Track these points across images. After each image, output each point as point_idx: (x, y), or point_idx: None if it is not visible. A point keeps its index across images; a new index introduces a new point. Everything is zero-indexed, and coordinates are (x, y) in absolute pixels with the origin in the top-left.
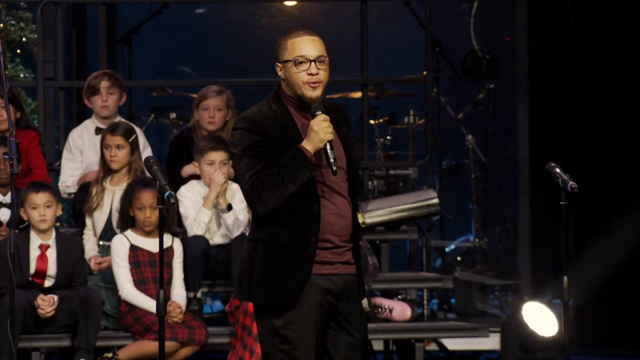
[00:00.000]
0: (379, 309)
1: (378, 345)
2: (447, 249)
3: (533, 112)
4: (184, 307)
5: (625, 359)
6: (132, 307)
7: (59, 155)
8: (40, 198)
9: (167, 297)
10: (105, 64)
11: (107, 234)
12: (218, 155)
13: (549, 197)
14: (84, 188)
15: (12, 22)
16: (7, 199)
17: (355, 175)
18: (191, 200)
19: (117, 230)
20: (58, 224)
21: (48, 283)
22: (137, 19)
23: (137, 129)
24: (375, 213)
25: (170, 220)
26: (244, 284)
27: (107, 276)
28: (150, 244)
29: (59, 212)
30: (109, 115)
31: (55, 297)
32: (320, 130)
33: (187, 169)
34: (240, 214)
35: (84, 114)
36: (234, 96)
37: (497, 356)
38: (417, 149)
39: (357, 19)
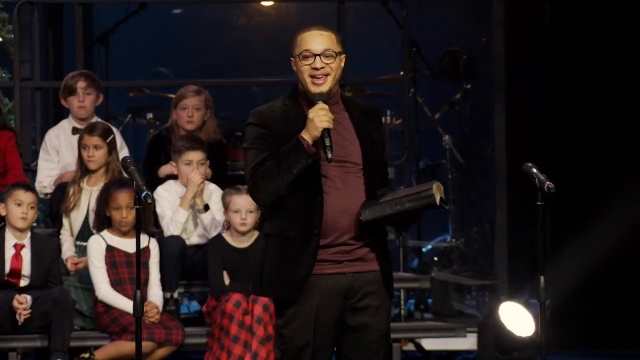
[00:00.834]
0: None
1: None
2: (424, 249)
3: (510, 112)
4: (160, 308)
5: (601, 359)
6: (108, 308)
7: (35, 155)
8: (26, 197)
9: (144, 298)
10: (82, 64)
11: (84, 234)
12: (196, 155)
13: (526, 197)
14: (61, 188)
15: None
16: None
17: (373, 173)
18: (168, 200)
19: (94, 231)
20: (35, 225)
21: (23, 283)
22: (114, 19)
23: (114, 129)
24: (372, 208)
25: (146, 220)
26: (257, 279)
27: (84, 277)
28: (127, 245)
29: (36, 217)
30: (86, 115)
31: (29, 297)
32: (315, 118)
33: (165, 169)
34: (217, 214)
35: (61, 114)
36: (211, 96)
37: (474, 356)
38: (394, 149)
39: (335, 19)
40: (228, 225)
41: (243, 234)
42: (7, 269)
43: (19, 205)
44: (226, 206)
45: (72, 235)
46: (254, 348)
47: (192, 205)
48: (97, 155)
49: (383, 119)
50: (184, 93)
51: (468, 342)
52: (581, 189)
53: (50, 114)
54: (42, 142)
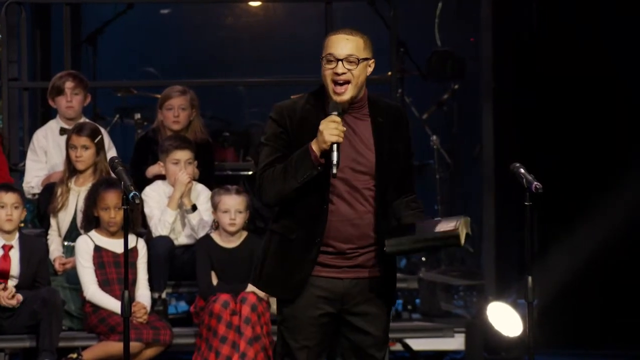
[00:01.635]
0: None
1: None
2: None
3: (498, 113)
4: (148, 308)
5: (589, 359)
6: (96, 308)
7: (23, 155)
8: (8, 197)
9: (131, 298)
10: (69, 65)
11: (72, 234)
12: (183, 154)
13: (513, 198)
14: (49, 188)
15: None
16: None
17: (387, 183)
18: (156, 200)
19: (82, 231)
20: (23, 225)
21: (12, 283)
22: (102, 19)
23: (102, 130)
24: (397, 241)
25: (134, 220)
26: (256, 271)
27: (72, 277)
28: (115, 245)
29: (23, 216)
30: (74, 116)
31: (13, 288)
32: (325, 131)
33: (152, 169)
34: (205, 214)
35: (49, 114)
36: (198, 96)
37: (461, 356)
38: None
39: (322, 19)
40: (216, 225)
41: (232, 234)
42: None
43: (3, 207)
44: (215, 206)
45: (60, 235)
46: (242, 348)
47: (180, 205)
48: (85, 156)
49: None
50: (169, 93)
51: (456, 342)
52: (569, 189)
53: (38, 115)
54: (30, 143)
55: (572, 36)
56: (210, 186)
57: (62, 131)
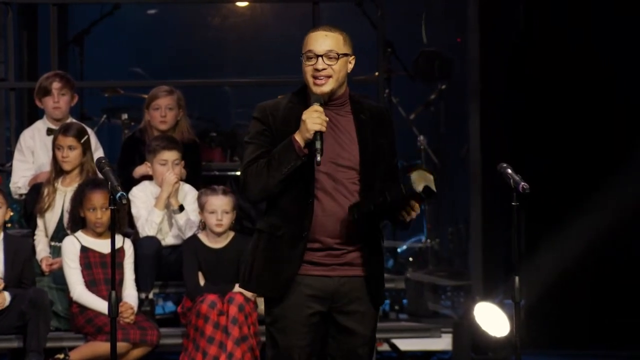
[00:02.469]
0: None
1: None
2: (399, 250)
3: (485, 113)
4: (135, 308)
5: (575, 359)
6: (83, 308)
7: (10, 156)
8: None
9: (118, 298)
10: (56, 65)
11: (59, 235)
12: (171, 155)
13: (500, 198)
14: (36, 189)
15: None
16: None
17: (372, 178)
18: (143, 200)
19: (68, 232)
20: (10, 225)
21: None
22: (89, 19)
23: (89, 130)
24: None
25: (120, 221)
26: (245, 272)
27: (59, 277)
28: (101, 245)
29: (9, 215)
30: (61, 116)
31: (7, 294)
32: (308, 120)
33: (139, 170)
34: (192, 214)
35: (36, 114)
36: (185, 96)
37: (449, 356)
38: None
39: (309, 19)
40: (203, 226)
41: (219, 234)
42: None
43: None
44: (202, 207)
45: (46, 236)
46: (229, 348)
47: (167, 205)
48: (71, 156)
49: None
50: (156, 93)
51: (443, 342)
52: (556, 190)
53: (25, 115)
54: (17, 143)
55: (560, 36)
56: (197, 186)
57: (49, 131)
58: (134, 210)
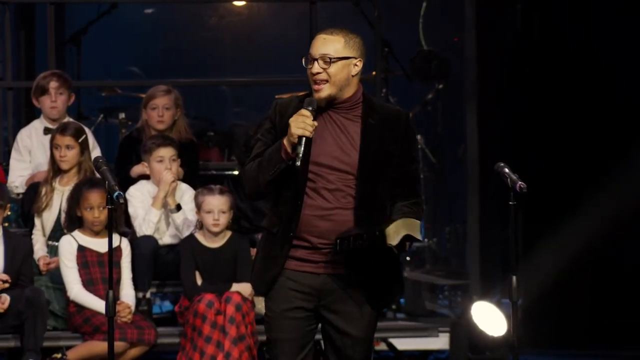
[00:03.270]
0: None
1: None
2: None
3: (482, 113)
4: (133, 307)
5: (573, 359)
6: (81, 308)
7: (7, 155)
8: None
9: (116, 298)
10: (54, 64)
11: (57, 234)
12: (167, 152)
13: (498, 197)
14: (33, 188)
15: None
16: None
17: (373, 183)
18: (140, 200)
19: (65, 231)
20: (7, 224)
21: None
22: (86, 19)
23: (87, 129)
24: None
25: (117, 220)
26: (252, 270)
27: (56, 277)
28: (98, 244)
29: (7, 213)
30: (58, 115)
31: (6, 296)
32: (292, 124)
33: (136, 169)
34: (189, 213)
35: (33, 114)
36: (183, 96)
37: (446, 356)
38: None
39: (306, 19)
40: (200, 225)
41: (216, 234)
42: None
43: None
44: (199, 206)
45: (44, 235)
46: (227, 348)
47: (164, 205)
48: (69, 155)
49: None
50: (153, 93)
51: (440, 341)
52: (553, 189)
53: (22, 114)
54: (14, 142)
55: (557, 36)
56: (194, 186)
57: (46, 131)
58: (131, 210)
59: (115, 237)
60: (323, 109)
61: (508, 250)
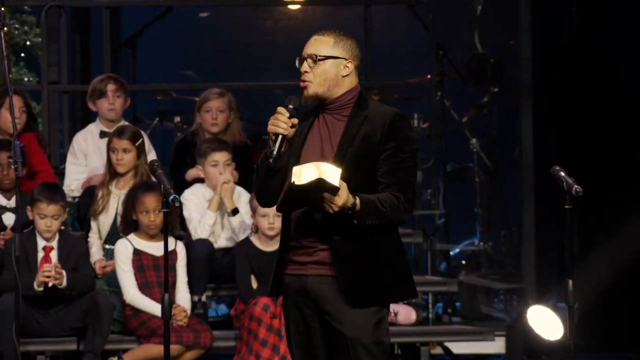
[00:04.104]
0: None
1: None
2: (452, 253)
3: (537, 116)
4: (188, 311)
5: None
6: (137, 311)
7: (63, 158)
8: (50, 210)
9: (172, 301)
10: (109, 68)
11: (113, 237)
12: (221, 156)
13: (553, 201)
14: (89, 191)
15: (17, 25)
16: (12, 203)
17: (349, 179)
18: (195, 203)
19: (121, 234)
20: (63, 228)
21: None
22: (141, 22)
23: (143, 133)
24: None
25: (172, 223)
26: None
27: (112, 280)
28: (154, 248)
29: (65, 218)
30: (115, 117)
31: (65, 274)
32: (269, 123)
33: (191, 173)
34: (245, 217)
35: (88, 117)
36: (237, 99)
37: None
38: (422, 152)
39: (361, 22)
40: (256, 229)
41: (271, 237)
42: (38, 271)
43: (42, 218)
44: (254, 210)
45: (100, 238)
46: (283, 351)
47: (221, 207)
48: (126, 159)
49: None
50: (207, 96)
51: (496, 345)
52: (609, 192)
53: (77, 118)
54: (70, 146)
55: (612, 38)
56: (249, 189)
57: (102, 134)
58: (185, 213)
59: (171, 241)
60: (318, 109)
61: (564, 253)
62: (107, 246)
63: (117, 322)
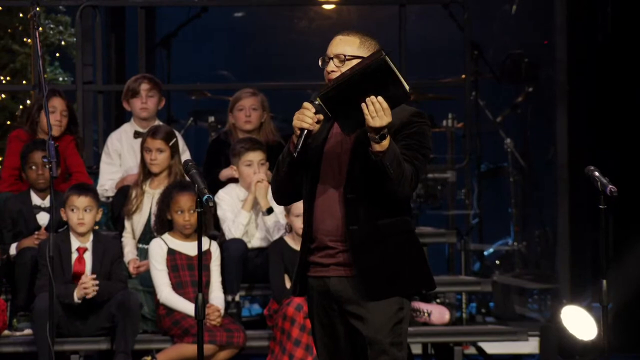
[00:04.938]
0: (418, 313)
1: (416, 349)
2: (486, 253)
3: (572, 116)
4: (222, 311)
5: None
6: (170, 311)
7: (97, 158)
8: (80, 201)
9: (205, 301)
10: (144, 68)
11: (146, 237)
12: (255, 156)
13: (588, 201)
14: (123, 191)
15: (51, 25)
16: (46, 202)
17: (363, 175)
18: (229, 203)
19: (155, 234)
20: (97, 228)
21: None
22: (176, 22)
23: (177, 133)
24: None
25: (206, 223)
26: None
27: (146, 279)
28: (188, 248)
29: (99, 217)
30: (147, 116)
31: (96, 284)
32: (294, 118)
33: (225, 173)
34: (280, 216)
35: (123, 117)
36: (270, 99)
37: None
38: (456, 152)
39: (396, 21)
40: (290, 228)
41: None
42: (71, 272)
43: (74, 210)
44: (288, 210)
45: (134, 238)
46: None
47: (255, 207)
48: (159, 159)
49: (444, 122)
50: (240, 95)
51: (530, 345)
52: None
53: (112, 118)
54: (104, 146)
55: None
56: None
57: (137, 134)
58: (219, 213)
59: (205, 241)
60: None
61: (598, 253)
62: (140, 246)
63: (151, 322)
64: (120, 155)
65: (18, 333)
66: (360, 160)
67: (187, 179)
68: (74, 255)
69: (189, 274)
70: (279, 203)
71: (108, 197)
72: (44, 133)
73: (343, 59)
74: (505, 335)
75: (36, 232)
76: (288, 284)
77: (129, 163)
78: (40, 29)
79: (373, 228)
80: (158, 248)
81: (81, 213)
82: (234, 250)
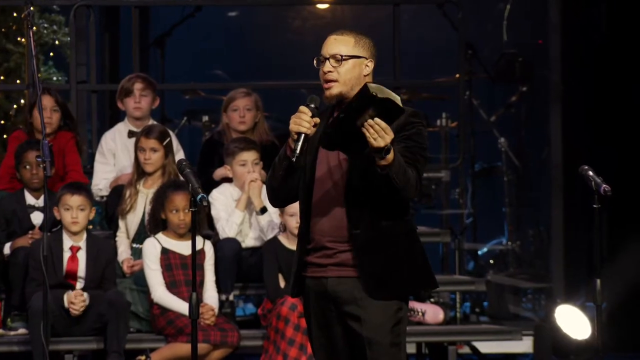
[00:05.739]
0: (412, 312)
1: (410, 349)
2: (480, 252)
3: (566, 115)
4: (216, 310)
5: None
6: (164, 310)
7: (91, 158)
8: (74, 200)
9: (199, 300)
10: (138, 67)
11: (140, 236)
12: (249, 155)
13: (582, 200)
14: (117, 191)
15: (45, 25)
16: (40, 202)
17: (362, 176)
18: (223, 203)
19: (149, 233)
20: (91, 227)
21: (79, 285)
22: (170, 22)
23: (170, 132)
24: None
25: (200, 222)
26: None
27: (140, 279)
28: (182, 247)
29: (92, 216)
30: (141, 115)
31: (85, 294)
32: (291, 120)
33: (219, 172)
34: (274, 215)
35: (117, 117)
36: (263, 99)
37: (530, 359)
38: (450, 152)
39: (390, 21)
40: (284, 228)
41: None
42: (64, 271)
43: (68, 209)
44: (282, 209)
45: (128, 237)
46: (310, 351)
47: (249, 206)
48: (153, 158)
49: (438, 121)
50: (233, 95)
51: (524, 345)
52: (638, 192)
53: (106, 117)
54: (98, 145)
55: None
56: None
57: (130, 134)
58: (213, 212)
59: (199, 240)
60: (334, 108)
61: (592, 253)
62: (134, 245)
63: (145, 321)
64: (114, 155)
65: (12, 333)
66: (358, 160)
67: (181, 178)
68: (67, 254)
69: (182, 274)
70: (274, 205)
71: (102, 197)
72: (39, 133)
73: (339, 59)
74: (499, 334)
75: (30, 232)
76: (282, 283)
77: (123, 162)
78: (34, 28)
79: (376, 230)
80: (152, 247)
81: (75, 212)
82: (228, 250)
